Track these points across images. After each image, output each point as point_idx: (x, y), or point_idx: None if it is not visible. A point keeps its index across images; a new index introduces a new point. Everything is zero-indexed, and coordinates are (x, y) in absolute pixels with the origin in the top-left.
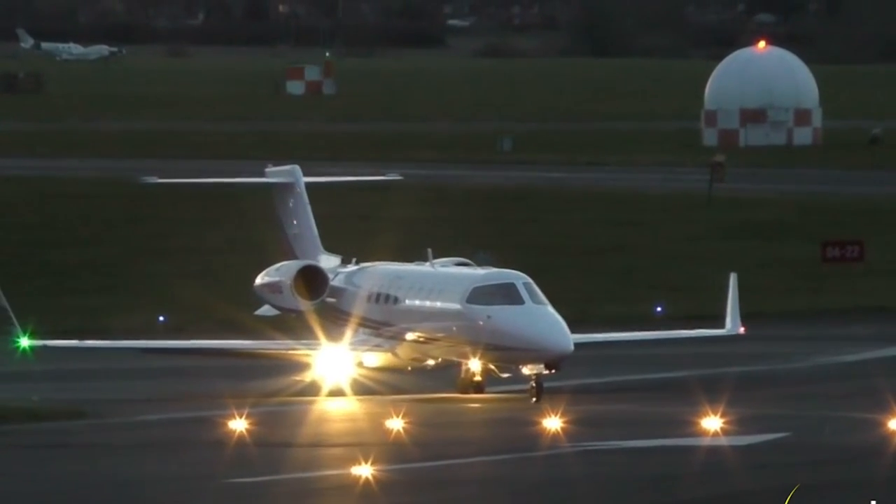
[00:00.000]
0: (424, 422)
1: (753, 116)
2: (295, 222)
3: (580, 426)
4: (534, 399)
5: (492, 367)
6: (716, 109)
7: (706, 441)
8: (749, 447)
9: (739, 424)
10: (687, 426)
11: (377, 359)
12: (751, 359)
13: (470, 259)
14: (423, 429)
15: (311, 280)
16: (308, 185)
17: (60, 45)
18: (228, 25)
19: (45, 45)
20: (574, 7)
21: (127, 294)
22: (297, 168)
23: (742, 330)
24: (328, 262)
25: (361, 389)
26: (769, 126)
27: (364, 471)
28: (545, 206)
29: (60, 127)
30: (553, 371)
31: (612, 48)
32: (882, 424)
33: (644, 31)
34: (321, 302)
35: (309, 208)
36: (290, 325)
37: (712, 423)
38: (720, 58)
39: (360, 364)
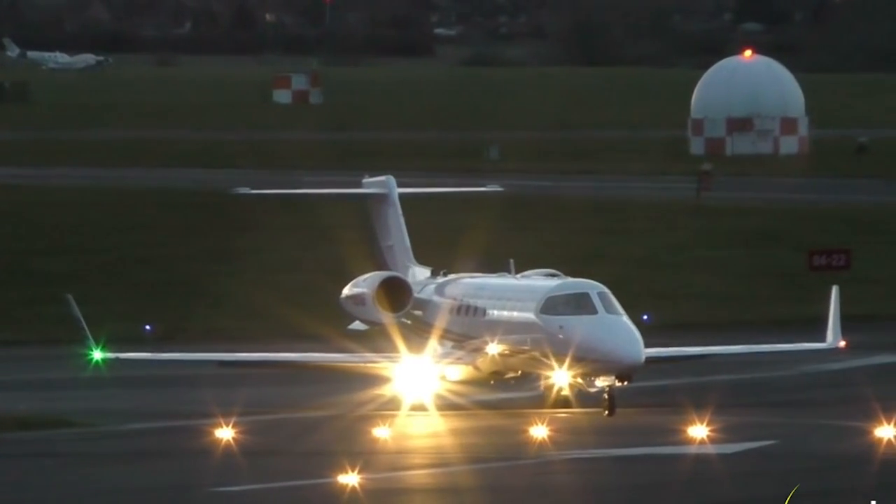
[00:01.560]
0: (414, 431)
1: (740, 125)
2: (388, 233)
3: (567, 434)
4: (606, 412)
5: (579, 380)
6: (702, 118)
7: (693, 449)
8: (736, 455)
9: (726, 432)
10: (674, 434)
11: (459, 372)
12: (738, 367)
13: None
14: (412, 438)
15: (395, 292)
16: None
17: (47, 55)
18: (215, 34)
19: (31, 54)
20: (561, 16)
21: (113, 303)
22: (391, 179)
23: (842, 344)
24: (419, 274)
25: (444, 404)
26: (756, 135)
27: (350, 479)
28: (533, 215)
29: (47, 136)
30: (626, 383)
31: (599, 57)
32: (868, 432)
33: (631, 39)
34: (405, 314)
35: (402, 219)
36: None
37: (699, 430)
38: (707, 66)
39: (443, 377)
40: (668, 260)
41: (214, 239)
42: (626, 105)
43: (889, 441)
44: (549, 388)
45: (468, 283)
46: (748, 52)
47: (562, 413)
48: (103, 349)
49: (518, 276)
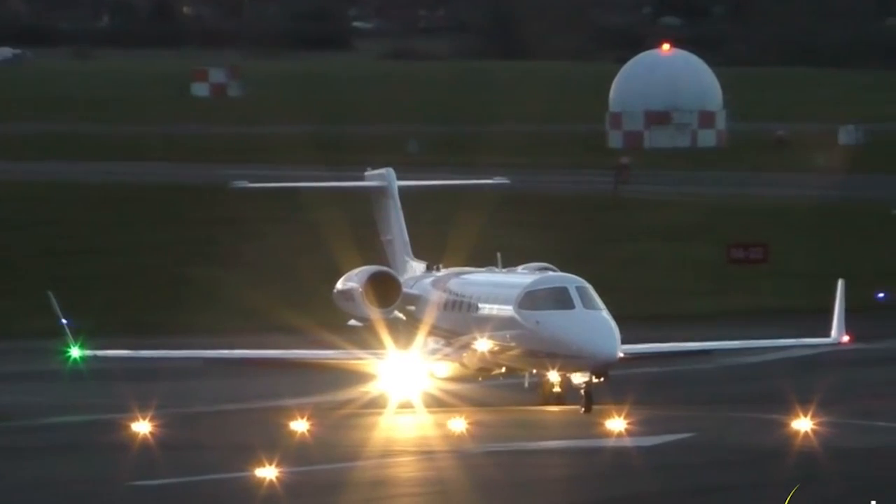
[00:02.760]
0: (330, 424)
1: (658, 119)
2: (388, 227)
3: (485, 428)
4: (583, 409)
5: (568, 376)
6: (621, 112)
7: (611, 442)
8: (654, 448)
9: (644, 425)
10: (592, 427)
11: (447, 368)
12: (659, 360)
13: None
14: (328, 431)
15: (383, 287)
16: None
17: None
18: (134, 28)
19: None
20: (480, 9)
21: (29, 297)
22: (391, 171)
23: (846, 339)
24: (415, 268)
25: (432, 401)
26: (674, 128)
27: (268, 473)
28: (453, 209)
29: None
30: (601, 380)
31: (518, 50)
32: (785, 425)
33: (550, 33)
34: (393, 310)
35: (401, 213)
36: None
37: (617, 423)
38: (625, 60)
39: (431, 374)
40: (586, 253)
41: (136, 232)
42: (545, 98)
43: (806, 433)
44: (542, 384)
45: (455, 279)
46: (666, 46)
47: (547, 409)
48: (81, 347)
49: (505, 270)
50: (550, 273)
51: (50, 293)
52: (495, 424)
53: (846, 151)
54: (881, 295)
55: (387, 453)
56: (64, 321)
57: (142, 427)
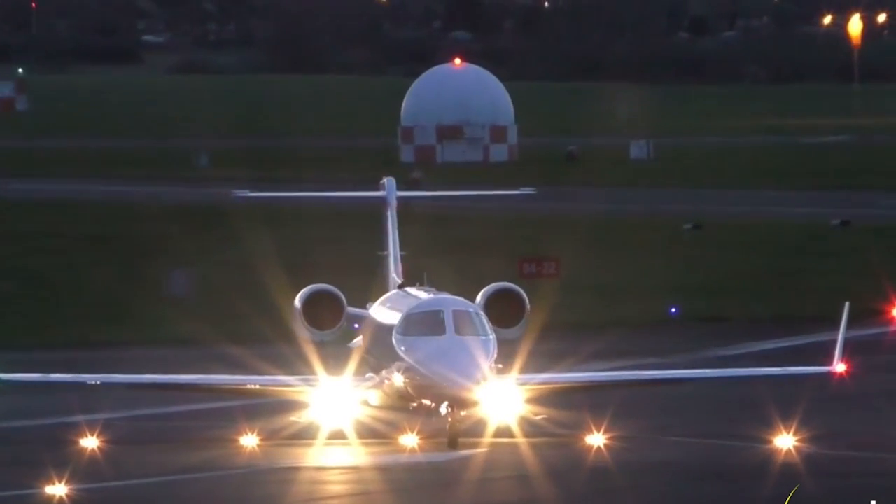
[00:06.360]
0: (127, 440)
1: (450, 133)
2: (386, 241)
3: (288, 445)
4: (447, 443)
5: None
6: (412, 126)
7: (404, 458)
8: (446, 462)
9: (435, 441)
10: (385, 444)
11: (376, 397)
12: None
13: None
14: (124, 447)
15: (322, 307)
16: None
17: None
18: None
19: None
20: (269, 23)
21: None
22: (391, 181)
23: (841, 368)
24: (393, 287)
25: (364, 431)
26: (466, 143)
27: (58, 490)
28: (243, 224)
29: None
30: (463, 413)
31: (308, 64)
32: (578, 441)
33: (341, 47)
34: (336, 331)
35: (395, 226)
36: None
37: (410, 439)
38: (417, 74)
39: (365, 402)
40: (373, 269)
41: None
42: (335, 113)
43: (599, 448)
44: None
45: (386, 300)
46: (458, 60)
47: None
48: None
49: (423, 289)
50: (442, 296)
51: None
52: (295, 442)
53: (637, 166)
54: (673, 310)
55: (175, 470)
56: None
57: None
